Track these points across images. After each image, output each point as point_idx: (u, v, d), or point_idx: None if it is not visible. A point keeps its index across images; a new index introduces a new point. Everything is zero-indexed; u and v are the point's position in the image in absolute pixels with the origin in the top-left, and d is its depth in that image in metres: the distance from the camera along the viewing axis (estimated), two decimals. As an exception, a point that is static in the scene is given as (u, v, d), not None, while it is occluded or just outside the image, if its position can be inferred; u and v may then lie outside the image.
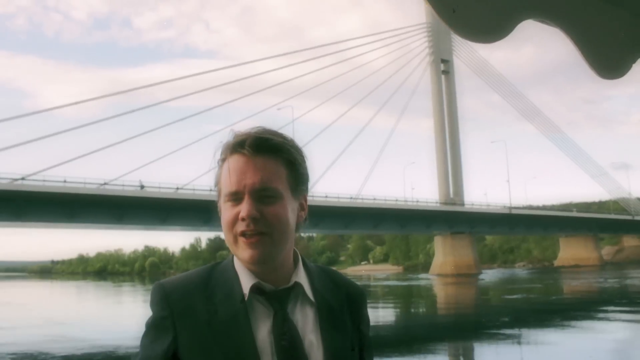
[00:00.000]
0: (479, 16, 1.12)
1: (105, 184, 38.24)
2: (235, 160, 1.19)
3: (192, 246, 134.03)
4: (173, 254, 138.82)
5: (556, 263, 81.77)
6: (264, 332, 1.18)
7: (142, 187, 39.23)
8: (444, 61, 64.10)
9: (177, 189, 40.71)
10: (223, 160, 1.22)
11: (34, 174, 36.33)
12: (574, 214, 70.06)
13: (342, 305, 1.29)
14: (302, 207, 1.27)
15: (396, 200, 53.53)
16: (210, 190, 36.00)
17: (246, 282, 1.21)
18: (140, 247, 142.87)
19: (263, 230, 1.16)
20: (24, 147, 38.12)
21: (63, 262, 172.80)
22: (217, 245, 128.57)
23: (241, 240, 1.17)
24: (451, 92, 65.01)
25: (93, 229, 44.76)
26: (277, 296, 1.21)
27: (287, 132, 1.30)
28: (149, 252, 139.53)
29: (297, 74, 52.47)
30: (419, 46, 61.42)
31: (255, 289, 1.21)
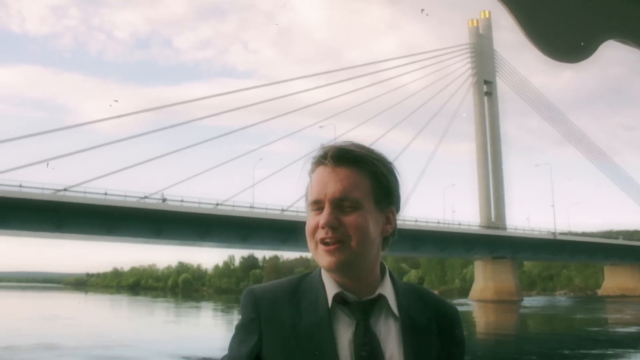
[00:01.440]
0: (565, 34, 1.10)
1: (145, 197, 38.11)
2: (319, 171, 1.24)
3: (226, 264, 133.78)
4: (206, 271, 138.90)
5: (600, 292, 78.72)
6: (345, 341, 1.20)
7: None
8: (486, 82, 62.95)
9: (217, 204, 40.35)
10: (312, 170, 1.27)
11: (76, 185, 36.45)
12: (621, 241, 67.45)
13: (430, 323, 1.26)
14: (388, 220, 1.28)
15: (438, 222, 52.28)
16: (250, 207, 35.77)
17: (330, 291, 1.25)
18: (173, 263, 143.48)
19: (342, 239, 1.19)
20: (67, 160, 38.45)
21: (98, 275, 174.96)
22: (250, 264, 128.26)
23: (321, 247, 1.21)
24: (494, 114, 63.70)
25: (131, 242, 44.67)
26: (360, 307, 1.22)
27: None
28: (183, 268, 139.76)
29: (333, 95, 52.06)
30: (460, 68, 60.40)
31: (339, 299, 1.23)
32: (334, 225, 1.20)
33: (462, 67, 60.93)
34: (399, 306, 1.25)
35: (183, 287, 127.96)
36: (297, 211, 42.36)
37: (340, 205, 1.21)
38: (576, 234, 64.70)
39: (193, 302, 66.18)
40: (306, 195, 1.29)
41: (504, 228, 59.03)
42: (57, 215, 34.87)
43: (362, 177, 1.24)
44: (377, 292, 1.24)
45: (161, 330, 28.49)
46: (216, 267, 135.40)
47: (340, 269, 1.21)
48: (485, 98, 63.35)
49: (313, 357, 1.19)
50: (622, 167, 66.48)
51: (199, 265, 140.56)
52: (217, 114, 45.04)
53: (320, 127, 47.35)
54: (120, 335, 24.54)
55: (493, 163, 62.52)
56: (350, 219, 1.21)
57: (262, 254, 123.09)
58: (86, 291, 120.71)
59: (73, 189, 36.27)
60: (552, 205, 59.70)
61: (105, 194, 36.94)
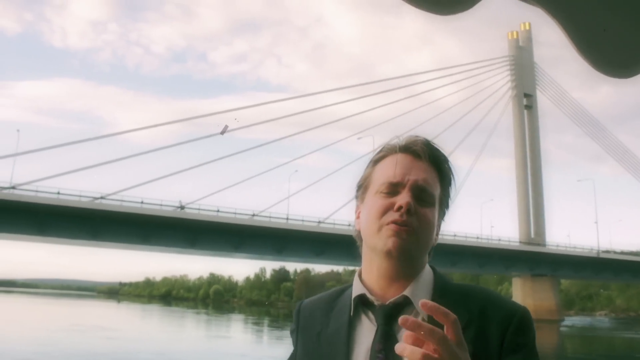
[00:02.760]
0: (616, 48, 1.09)
1: (181, 207, 37.90)
2: (403, 157, 1.22)
3: (257, 276, 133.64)
4: (237, 282, 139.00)
5: (644, 314, 75.92)
6: (363, 347, 1.16)
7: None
8: (526, 95, 61.48)
9: (253, 215, 39.93)
10: (381, 158, 1.25)
11: (113, 194, 36.42)
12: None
13: (469, 325, 1.12)
14: (439, 228, 1.26)
15: (477, 237, 50.92)
16: (286, 218, 35.18)
17: (355, 294, 1.22)
18: (205, 274, 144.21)
19: (413, 225, 1.16)
20: (104, 169, 38.61)
21: (130, 284, 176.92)
22: (281, 277, 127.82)
23: (388, 227, 1.16)
24: (534, 128, 62.11)
25: (166, 252, 44.51)
26: (382, 311, 1.17)
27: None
28: (214, 279, 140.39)
29: (367, 108, 51.10)
30: (499, 81, 59.03)
31: (363, 302, 1.21)
32: (411, 209, 1.16)
33: (500, 80, 59.60)
34: None
35: (214, 298, 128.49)
36: (333, 223, 41.77)
37: (419, 195, 1.19)
38: (619, 253, 62.42)
39: (227, 314, 65.90)
40: (365, 180, 1.26)
41: (544, 245, 57.29)
42: (93, 223, 34.86)
43: (438, 178, 1.23)
44: (401, 294, 1.18)
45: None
46: (247, 279, 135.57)
47: (402, 254, 1.16)
48: (525, 111, 61.87)
49: None
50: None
51: (230, 277, 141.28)
52: (250, 125, 44.30)
53: (359, 138, 46.48)
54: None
55: (533, 177, 60.89)
56: (425, 211, 1.19)
57: (293, 267, 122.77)
58: (119, 300, 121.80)
59: (110, 197, 36.26)
60: (596, 222, 57.55)
61: (142, 202, 36.85)
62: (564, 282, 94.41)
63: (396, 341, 1.09)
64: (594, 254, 56.07)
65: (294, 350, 1.31)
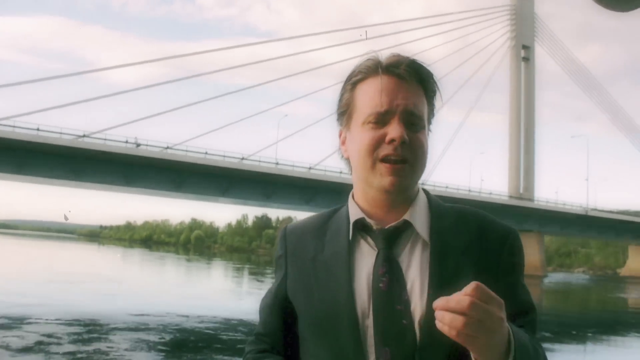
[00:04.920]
0: None
1: (168, 147, 36.39)
2: (388, 81, 1.15)
3: (239, 222, 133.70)
4: (218, 228, 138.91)
5: (622, 272, 76.91)
6: (364, 272, 1.15)
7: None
8: (524, 47, 59.97)
9: (242, 159, 38.57)
10: (361, 80, 1.18)
11: (97, 132, 34.70)
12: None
13: (470, 247, 1.15)
14: (427, 144, 1.22)
15: (468, 190, 50.32)
16: (276, 163, 33.89)
17: (353, 219, 1.20)
18: (186, 219, 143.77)
19: (407, 157, 1.13)
20: (87, 107, 36.69)
21: (111, 227, 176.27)
22: (263, 224, 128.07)
23: (383, 165, 1.13)
24: (530, 81, 60.93)
25: (150, 194, 43.18)
26: (383, 235, 1.16)
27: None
28: (195, 225, 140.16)
29: (354, 55, 49.01)
30: (494, 32, 57.14)
31: (362, 227, 1.18)
32: (405, 141, 1.11)
33: (497, 32, 57.78)
34: (431, 231, 1.15)
35: (195, 244, 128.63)
36: (324, 170, 40.65)
37: (409, 121, 1.14)
38: (605, 211, 62.54)
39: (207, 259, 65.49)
40: (347, 107, 1.20)
41: (532, 200, 57.00)
42: (75, 162, 33.32)
43: (424, 96, 1.18)
44: (402, 219, 1.16)
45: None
46: (229, 225, 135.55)
47: (399, 191, 1.15)
48: (523, 64, 60.51)
49: (328, 290, 1.16)
50: None
51: (211, 223, 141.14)
52: (236, 67, 42.54)
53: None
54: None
55: (525, 132, 60.10)
56: (417, 137, 1.14)
57: (275, 214, 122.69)
58: (99, 243, 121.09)
59: (93, 135, 34.52)
60: (587, 179, 57.50)
61: (127, 142, 35.24)
62: (545, 239, 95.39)
63: (398, 265, 1.13)
64: (582, 212, 55.95)
65: (280, 276, 1.27)
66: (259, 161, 39.36)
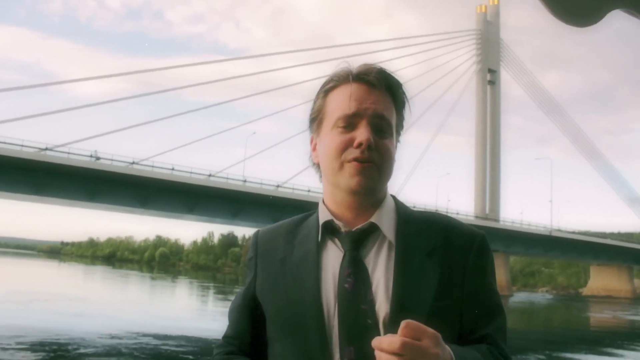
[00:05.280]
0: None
1: (133, 163, 35.65)
2: (357, 88, 1.19)
3: (205, 240, 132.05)
4: (183, 246, 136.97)
5: (585, 292, 78.35)
6: (330, 273, 1.17)
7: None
8: (490, 71, 61.12)
9: (210, 175, 38.05)
10: (333, 87, 1.22)
11: (60, 146, 33.76)
12: (613, 241, 66.74)
13: (435, 250, 1.17)
14: (395, 152, 1.25)
15: (436, 210, 50.53)
16: (244, 181, 33.41)
17: (322, 221, 1.22)
18: (151, 237, 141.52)
19: (374, 160, 1.16)
20: (50, 120, 35.74)
21: (73, 244, 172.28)
22: (229, 242, 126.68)
23: (350, 165, 1.16)
24: (496, 104, 62.04)
25: (115, 211, 42.22)
26: (350, 237, 1.19)
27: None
28: (160, 242, 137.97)
29: (321, 75, 49.05)
30: (460, 56, 57.96)
31: (330, 229, 1.21)
32: (371, 145, 1.14)
33: (463, 55, 58.65)
34: (398, 234, 1.18)
35: (159, 261, 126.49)
36: (292, 188, 40.40)
37: (377, 127, 1.17)
38: (568, 232, 63.78)
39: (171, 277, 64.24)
40: (318, 114, 1.23)
41: (498, 220, 57.72)
42: (37, 176, 32.22)
43: (393, 105, 1.21)
44: (369, 221, 1.19)
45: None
46: (194, 243, 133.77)
47: (366, 192, 1.17)
48: (488, 87, 61.61)
49: (296, 291, 1.17)
50: (616, 168, 65.38)
51: (177, 240, 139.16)
52: (204, 84, 41.82)
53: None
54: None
55: (491, 154, 61.04)
56: (384, 143, 1.17)
57: (242, 232, 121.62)
58: (60, 260, 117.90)
59: (57, 149, 33.59)
60: (550, 201, 58.37)
61: (91, 156, 34.37)
62: (510, 259, 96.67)
63: (364, 266, 1.15)
64: (547, 232, 56.85)
65: (250, 278, 1.29)
66: (227, 178, 38.89)
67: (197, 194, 36.88)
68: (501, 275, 56.77)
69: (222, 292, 41.60)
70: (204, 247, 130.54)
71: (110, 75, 39.66)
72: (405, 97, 1.24)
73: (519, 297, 62.24)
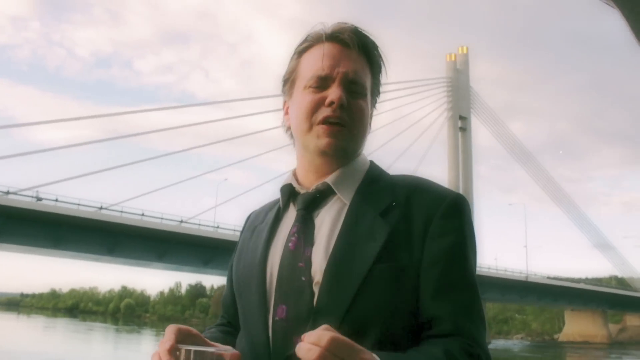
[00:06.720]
0: None
1: (101, 208, 34.17)
2: (331, 47, 1.15)
3: (172, 290, 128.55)
4: (150, 297, 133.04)
5: (560, 338, 77.69)
6: (282, 234, 1.16)
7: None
8: (462, 118, 61.76)
9: (181, 222, 36.71)
10: (307, 48, 1.18)
11: (23, 190, 32.11)
12: (587, 286, 66.72)
13: (390, 210, 1.08)
14: (371, 118, 1.24)
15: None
16: (217, 227, 32.19)
17: (283, 184, 1.23)
18: (116, 287, 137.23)
19: (346, 121, 1.12)
20: (15, 162, 34.23)
21: (34, 295, 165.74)
22: (197, 292, 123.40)
23: (321, 127, 1.12)
24: (467, 151, 62.48)
25: (80, 259, 40.30)
26: (303, 197, 1.16)
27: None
28: (126, 293, 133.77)
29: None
30: (432, 103, 58.32)
31: (292, 193, 1.20)
32: (343, 104, 1.11)
33: (435, 102, 59.09)
34: (356, 194, 1.13)
35: (125, 313, 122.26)
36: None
37: (350, 87, 1.13)
38: (543, 277, 63.63)
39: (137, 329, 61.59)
40: (291, 75, 1.19)
41: (474, 267, 57.26)
42: (-4, 222, 30.56)
43: (369, 67, 1.18)
44: (323, 181, 1.15)
45: None
46: (161, 293, 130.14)
47: (336, 153, 1.14)
48: (460, 133, 62.12)
49: (250, 253, 1.19)
50: (585, 213, 65.77)
51: (143, 291, 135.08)
52: (171, 128, 40.23)
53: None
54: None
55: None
56: (358, 103, 1.14)
57: (210, 281, 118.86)
58: (19, 312, 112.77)
59: (21, 192, 31.96)
60: (525, 246, 58.28)
61: (57, 200, 32.80)
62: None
63: (313, 224, 1.11)
64: (523, 278, 56.52)
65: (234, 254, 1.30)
66: (199, 225, 37.61)
67: (168, 240, 35.43)
68: (478, 323, 55.98)
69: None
70: (171, 298, 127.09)
71: (75, 119, 38.23)
72: (382, 59, 1.19)
73: (496, 345, 61.35)
